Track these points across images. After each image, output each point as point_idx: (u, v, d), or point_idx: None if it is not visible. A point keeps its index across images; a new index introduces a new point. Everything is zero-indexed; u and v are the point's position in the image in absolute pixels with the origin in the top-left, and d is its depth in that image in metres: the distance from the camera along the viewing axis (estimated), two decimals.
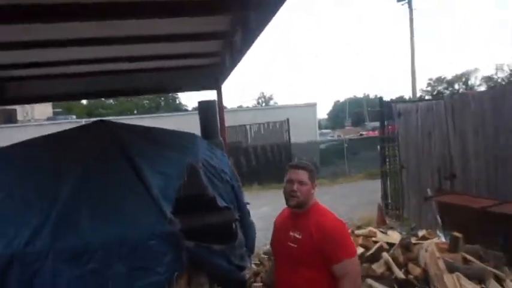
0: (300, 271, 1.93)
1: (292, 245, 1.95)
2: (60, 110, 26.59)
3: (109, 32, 2.68)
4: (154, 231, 2.34)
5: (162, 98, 38.65)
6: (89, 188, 2.51)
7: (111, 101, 36.90)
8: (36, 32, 2.49)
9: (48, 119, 20.67)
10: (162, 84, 4.21)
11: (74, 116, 22.56)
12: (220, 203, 2.77)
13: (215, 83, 4.14)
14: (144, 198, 2.50)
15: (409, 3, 19.50)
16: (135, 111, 33.36)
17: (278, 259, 2.15)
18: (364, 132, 26.05)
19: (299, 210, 2.02)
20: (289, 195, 2.01)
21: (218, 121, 3.97)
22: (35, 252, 2.12)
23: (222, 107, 4.19)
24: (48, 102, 16.19)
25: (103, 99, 35.80)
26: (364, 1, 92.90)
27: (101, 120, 3.28)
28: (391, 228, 4.05)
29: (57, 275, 2.10)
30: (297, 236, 1.95)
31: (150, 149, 2.87)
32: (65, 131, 3.23)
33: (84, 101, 34.66)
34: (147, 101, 38.10)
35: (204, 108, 3.88)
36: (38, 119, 20.68)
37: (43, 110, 22.55)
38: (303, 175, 2.01)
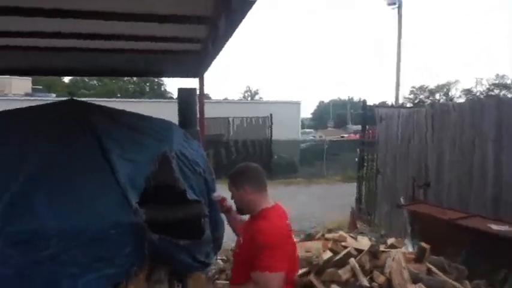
0: (243, 275, 1.91)
1: (237, 250, 1.98)
2: (40, 87, 25.64)
3: (87, 5, 2.53)
4: (117, 221, 2.23)
5: (148, 84, 38.00)
6: (51, 169, 2.36)
7: (94, 82, 36.00)
8: None
9: (26, 95, 19.91)
10: (142, 67, 4.04)
11: (54, 95, 21.78)
12: (191, 196, 2.67)
13: (197, 71, 4.00)
14: (109, 184, 2.37)
15: (399, 8, 19.61)
16: (119, 95, 32.63)
17: None
18: (345, 135, 26.34)
19: (249, 214, 2.01)
20: None
21: (197, 110, 3.86)
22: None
23: (202, 97, 4.07)
24: (14, 75, 15.32)
25: (86, 79, 34.92)
26: (356, 4, 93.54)
27: (72, 99, 3.12)
28: (362, 233, 4.06)
29: (7, 260, 1.98)
30: (241, 240, 1.96)
31: (121, 133, 2.74)
32: (33, 107, 3.06)
33: (66, 80, 33.70)
34: (132, 86, 37.33)
35: (184, 96, 3.76)
36: (15, 94, 19.88)
37: (22, 85, 21.66)
38: (229, 185, 2.01)
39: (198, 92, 4.09)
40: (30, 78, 22.05)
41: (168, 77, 4.36)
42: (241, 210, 2.02)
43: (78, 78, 33.71)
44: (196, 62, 3.84)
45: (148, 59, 3.89)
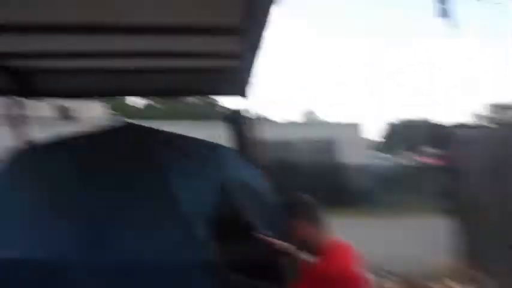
0: None
1: None
2: (116, 112, 27.90)
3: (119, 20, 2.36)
4: (186, 258, 1.99)
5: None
6: (113, 199, 2.19)
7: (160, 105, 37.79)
8: None
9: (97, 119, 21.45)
10: (183, 86, 3.87)
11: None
12: (262, 229, 2.27)
13: (240, 89, 3.70)
14: (174, 217, 2.14)
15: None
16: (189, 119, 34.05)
17: None
18: (422, 159, 24.40)
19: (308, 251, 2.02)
20: None
21: (252, 133, 3.54)
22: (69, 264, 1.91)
23: (253, 117, 3.76)
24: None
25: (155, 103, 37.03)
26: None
27: (128, 124, 3.00)
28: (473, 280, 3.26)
29: None
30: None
31: (180, 159, 2.52)
32: (89, 132, 2.91)
33: (140, 106, 36.28)
34: (199, 107, 38.37)
35: (230, 120, 3.50)
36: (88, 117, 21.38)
37: (96, 109, 23.35)
38: None
39: (248, 113, 3.78)
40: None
41: (213, 94, 4.27)
42: (298, 247, 1.98)
43: (151, 102, 36.11)
44: (238, 79, 3.58)
45: (190, 78, 3.72)
